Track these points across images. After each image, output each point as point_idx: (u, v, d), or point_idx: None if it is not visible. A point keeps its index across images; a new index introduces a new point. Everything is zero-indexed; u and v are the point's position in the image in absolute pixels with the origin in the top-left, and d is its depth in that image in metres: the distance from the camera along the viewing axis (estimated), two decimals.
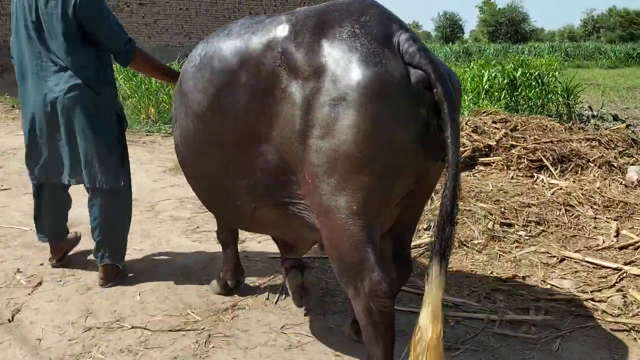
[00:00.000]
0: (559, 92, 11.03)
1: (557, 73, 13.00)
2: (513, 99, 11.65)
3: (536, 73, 12.65)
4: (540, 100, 11.42)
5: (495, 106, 10.88)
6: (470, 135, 4.65)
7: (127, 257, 3.69)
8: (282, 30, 2.05)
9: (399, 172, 1.91)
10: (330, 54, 1.90)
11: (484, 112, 5.72)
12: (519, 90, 11.82)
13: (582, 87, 12.01)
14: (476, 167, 4.37)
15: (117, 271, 3.37)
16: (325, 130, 1.86)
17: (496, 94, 11.99)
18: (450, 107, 1.79)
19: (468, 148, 4.42)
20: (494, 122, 4.99)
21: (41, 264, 3.65)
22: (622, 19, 69.06)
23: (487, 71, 13.01)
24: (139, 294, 3.20)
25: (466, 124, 4.86)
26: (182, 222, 4.50)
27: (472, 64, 15.98)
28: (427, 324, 1.71)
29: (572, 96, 10.79)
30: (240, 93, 2.12)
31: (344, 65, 1.86)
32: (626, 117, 10.80)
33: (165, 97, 10.01)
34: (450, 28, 68.70)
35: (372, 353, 1.97)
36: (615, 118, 10.49)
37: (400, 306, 2.76)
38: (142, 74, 3.54)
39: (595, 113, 10.84)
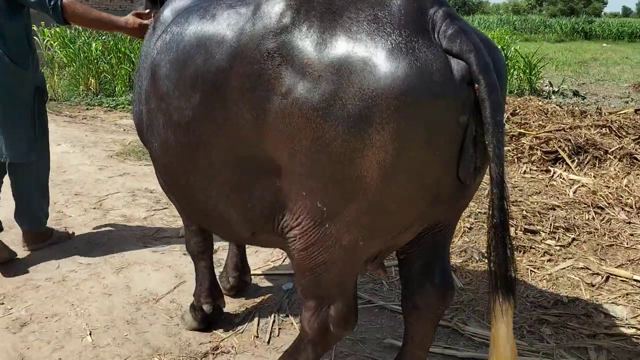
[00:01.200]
0: (521, 68, 10.77)
1: (517, 47, 12.76)
2: None
3: (498, 47, 12.31)
4: None
5: None
6: None
7: (73, 274, 3.01)
8: (282, 16, 1.56)
9: (422, 204, 1.53)
10: (349, 49, 1.43)
11: None
12: None
13: (545, 63, 11.80)
14: None
15: (41, 237, 3.35)
16: (339, 156, 1.45)
17: None
18: (494, 108, 1.39)
19: None
20: None
21: None
22: None
23: None
24: (89, 334, 2.50)
25: None
26: (136, 223, 3.76)
27: None
28: None
29: (534, 71, 10.55)
30: (231, 100, 1.64)
31: (369, 64, 1.39)
32: (585, 92, 10.65)
33: (106, 67, 9.01)
34: None
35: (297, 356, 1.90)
36: (576, 94, 10.31)
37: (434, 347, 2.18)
38: (88, 27, 3.54)
39: (555, 89, 10.64)
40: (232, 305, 2.73)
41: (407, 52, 1.38)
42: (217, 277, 2.66)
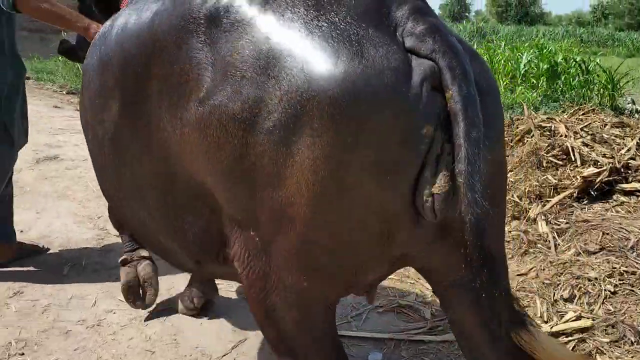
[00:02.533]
0: (603, 82, 9.84)
1: (598, 60, 11.78)
2: (553, 87, 10.48)
3: (579, 59, 11.48)
4: (583, 90, 10.28)
5: (534, 94, 9.74)
6: (592, 147, 3.37)
7: (111, 316, 2.49)
8: (204, 2, 1.28)
9: (368, 242, 1.20)
10: (280, 42, 1.15)
11: (579, 110, 4.43)
12: (562, 77, 10.64)
13: (632, 78, 10.78)
14: (615, 198, 3.10)
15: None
16: (271, 170, 1.14)
17: (533, 80, 10.81)
18: (470, 124, 1.07)
19: (604, 169, 3.12)
20: (612, 126, 3.70)
21: None
22: (632, 6, 67.57)
23: (526, 54, 11.77)
24: None
25: (582, 129, 3.58)
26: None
27: (503, 46, 14.64)
28: None
29: (616, 87, 9.61)
30: (151, 109, 1.38)
31: (300, 60, 1.11)
32: None
33: None
34: (459, 6, 66.95)
35: None
36: None
37: None
38: (42, 20, 2.48)
39: (638, 107, 9.67)
40: None
41: (350, 47, 1.10)
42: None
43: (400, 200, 1.15)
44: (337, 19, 1.15)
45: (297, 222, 1.16)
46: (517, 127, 4.13)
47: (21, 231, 3.33)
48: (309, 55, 1.12)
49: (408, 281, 2.89)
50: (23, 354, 2.22)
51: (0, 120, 2.75)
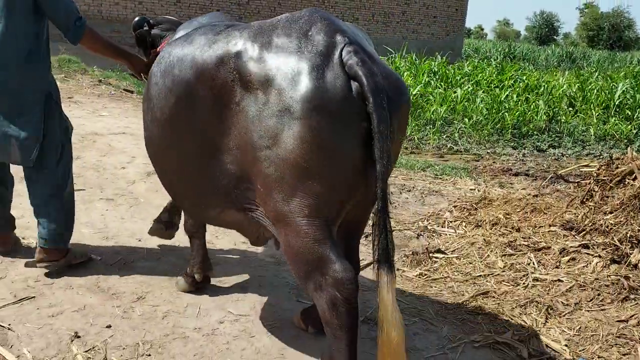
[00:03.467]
0: None
1: None
2: None
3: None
4: None
5: (629, 127, 9.33)
6: None
7: (223, 327, 2.68)
8: (234, 45, 2.12)
9: (346, 180, 1.99)
10: (278, 68, 1.98)
11: None
12: None
13: None
14: None
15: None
16: (273, 141, 1.96)
17: (628, 112, 10.35)
18: (380, 120, 1.87)
19: None
20: None
21: (108, 327, 2.67)
22: None
23: (621, 84, 11.31)
24: None
25: None
26: (288, 270, 3.41)
27: (595, 73, 14.14)
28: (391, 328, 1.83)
29: None
30: (198, 105, 2.21)
31: (289, 79, 1.94)
32: None
33: None
34: (547, 29, 64.74)
35: (335, 347, 1.99)
36: None
37: None
38: (94, 53, 3.18)
39: None
40: None
41: (318, 73, 1.91)
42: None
43: (357, 152, 1.95)
44: (310, 57, 1.94)
45: (293, 169, 1.95)
46: (617, 167, 4.07)
47: (139, 240, 3.67)
48: (295, 78, 1.93)
49: (503, 317, 2.94)
50: (150, 355, 2.48)
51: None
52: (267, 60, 2.00)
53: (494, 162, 7.18)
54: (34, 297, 2.86)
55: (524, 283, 3.32)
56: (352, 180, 1.99)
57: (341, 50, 1.94)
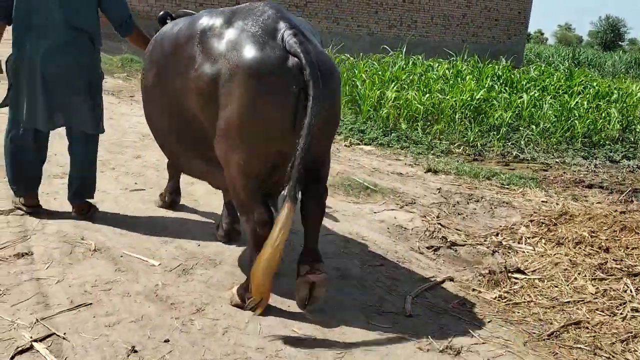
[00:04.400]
0: None
1: None
2: None
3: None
4: None
5: None
6: None
7: (288, 350, 2.45)
8: (201, 25, 2.75)
9: (277, 136, 2.50)
10: (230, 42, 2.55)
11: None
12: None
13: None
14: None
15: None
16: (223, 101, 2.52)
17: None
18: (315, 85, 2.37)
19: None
20: None
21: (166, 341, 2.49)
22: None
23: None
24: None
25: None
26: (352, 283, 3.16)
27: None
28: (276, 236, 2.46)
29: None
30: (172, 72, 2.89)
31: (236, 50, 2.50)
32: None
33: None
34: (612, 34, 62.04)
35: (251, 254, 2.72)
36: None
37: None
38: (135, 46, 3.81)
39: None
40: None
41: (259, 46, 2.48)
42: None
43: (287, 121, 2.46)
44: (257, 33, 2.52)
45: (235, 124, 2.52)
46: None
47: (199, 245, 3.50)
48: (241, 49, 2.49)
49: (603, 353, 2.59)
50: None
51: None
52: (224, 36, 2.59)
53: (564, 173, 6.71)
54: (90, 303, 2.71)
55: (621, 313, 2.95)
56: (282, 136, 2.48)
57: (283, 33, 2.47)
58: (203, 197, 4.39)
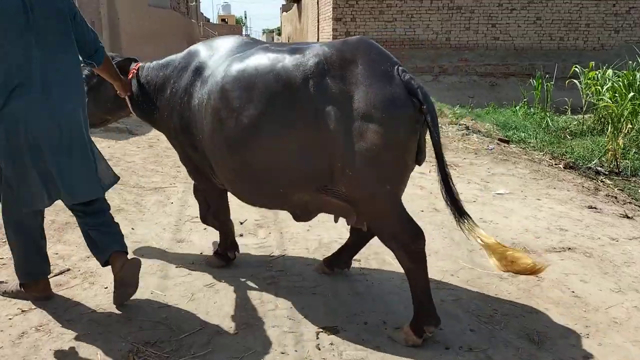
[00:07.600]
0: None
1: None
2: None
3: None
4: None
5: None
6: None
7: None
8: (317, 65, 2.62)
9: (411, 164, 2.65)
10: (356, 83, 2.53)
11: None
12: None
13: None
14: None
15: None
16: (359, 138, 2.50)
17: None
18: (433, 117, 2.55)
19: None
20: None
21: None
22: None
23: None
24: None
25: None
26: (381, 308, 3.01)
27: None
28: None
29: None
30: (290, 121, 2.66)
31: (366, 91, 2.51)
32: None
33: None
34: None
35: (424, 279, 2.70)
36: None
37: None
38: (104, 75, 3.27)
39: None
40: None
41: (389, 87, 2.52)
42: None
43: (414, 145, 2.61)
44: (378, 73, 2.58)
45: (388, 157, 2.55)
46: None
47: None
48: (372, 90, 2.53)
49: None
50: None
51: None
52: (348, 76, 2.56)
53: None
54: None
55: None
56: (411, 164, 2.65)
57: (397, 71, 2.56)
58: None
